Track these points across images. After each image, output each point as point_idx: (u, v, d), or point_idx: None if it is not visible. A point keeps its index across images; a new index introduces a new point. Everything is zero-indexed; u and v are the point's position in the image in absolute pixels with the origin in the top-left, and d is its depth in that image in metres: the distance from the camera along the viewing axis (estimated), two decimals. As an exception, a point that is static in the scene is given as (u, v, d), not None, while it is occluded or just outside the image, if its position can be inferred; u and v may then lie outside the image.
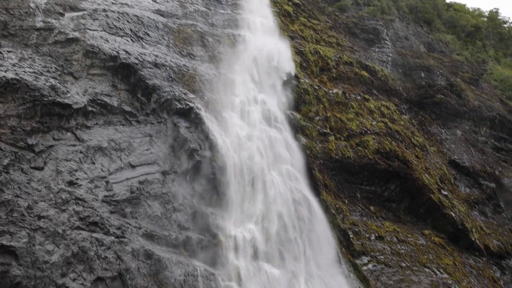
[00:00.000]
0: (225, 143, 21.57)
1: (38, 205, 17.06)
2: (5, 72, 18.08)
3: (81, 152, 18.65)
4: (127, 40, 21.89)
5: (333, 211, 24.66)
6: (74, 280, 17.07)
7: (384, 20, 36.00)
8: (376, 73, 31.44)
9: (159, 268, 18.52)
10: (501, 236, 30.76)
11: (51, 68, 19.32)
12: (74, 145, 18.63)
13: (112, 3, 22.80)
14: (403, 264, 25.07)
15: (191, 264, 19.26)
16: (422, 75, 34.27)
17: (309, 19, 32.08)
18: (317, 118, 26.37)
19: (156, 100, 21.18)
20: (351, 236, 24.43)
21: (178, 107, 21.39)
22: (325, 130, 26.19)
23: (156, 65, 21.88)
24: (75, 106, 19.07)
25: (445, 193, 28.84)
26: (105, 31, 21.43)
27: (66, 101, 18.94)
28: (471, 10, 54.59)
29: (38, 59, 19.35)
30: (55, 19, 20.55)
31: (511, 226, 31.95)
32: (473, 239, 28.63)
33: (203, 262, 19.68)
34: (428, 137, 31.73)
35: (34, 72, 18.70)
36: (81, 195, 17.93)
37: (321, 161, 25.40)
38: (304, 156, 24.54)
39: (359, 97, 29.01)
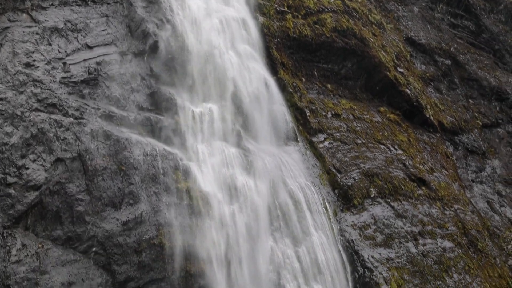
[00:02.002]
0: (182, 23, 21.67)
1: (-5, 88, 17.27)
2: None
3: (37, 34, 18.69)
4: None
5: (291, 90, 25.25)
6: (34, 161, 17.63)
7: None
8: None
9: (118, 149, 19.07)
10: (455, 113, 31.87)
11: None
12: (30, 27, 18.64)
13: None
14: (359, 141, 26.00)
15: (150, 144, 19.82)
16: None
17: None
18: (275, -5, 26.44)
19: (111, -21, 21.01)
20: (308, 114, 25.13)
21: (133, -15, 21.29)
22: (282, 9, 26.33)
23: None
24: (28, -14, 18.90)
25: (401, 70, 29.55)
26: None
27: (18, -20, 18.74)
28: None
29: None
30: None
31: (465, 102, 33.05)
32: (427, 115, 29.61)
33: (162, 142, 20.27)
34: (385, 14, 32.07)
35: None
36: (38, 77, 18.16)
37: (279, 40, 25.72)
38: (262, 35, 24.81)
39: (316, -26, 28.96)
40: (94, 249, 19.41)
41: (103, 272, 19.28)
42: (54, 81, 18.54)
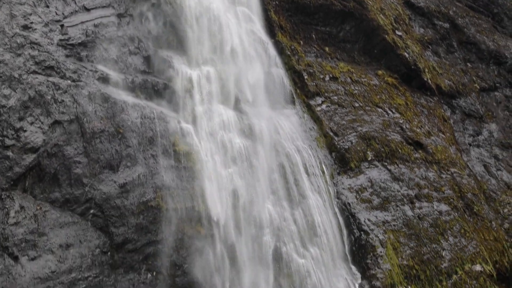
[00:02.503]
0: (180, -16, 21.62)
1: (-8, 50, 17.31)
2: None
3: (35, -5, 18.69)
4: None
5: (288, 53, 25.28)
6: (31, 123, 17.72)
7: None
8: None
9: (115, 111, 19.17)
10: (452, 76, 31.93)
11: None
12: (27, -12, 18.62)
13: None
14: (356, 104, 26.12)
15: (147, 107, 19.91)
16: None
17: None
18: (273, -44, 26.28)
19: None
20: (305, 77, 25.20)
21: None
22: (281, -30, 26.23)
23: None
24: None
25: (400, 33, 29.54)
26: None
27: None
28: None
29: None
30: None
31: (463, 66, 33.09)
32: (425, 79, 29.71)
33: (160, 105, 20.37)
34: (384, -24, 31.96)
35: None
36: (36, 39, 18.16)
37: (277, 2, 25.66)
38: (260, -3, 24.78)
39: None
40: (91, 211, 19.61)
41: (101, 234, 19.51)
42: (52, 44, 18.54)
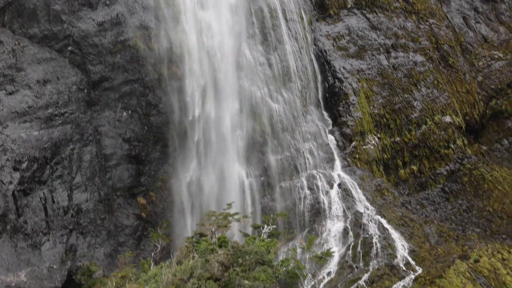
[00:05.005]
0: None
1: None
2: None
3: None
4: None
5: None
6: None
7: None
8: None
9: None
10: None
11: None
12: None
13: None
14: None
15: None
16: None
17: None
18: None
19: None
20: None
21: None
22: None
23: None
24: None
25: None
26: None
27: None
28: None
29: None
30: None
31: None
32: None
33: None
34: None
35: None
36: None
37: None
38: None
39: None
40: (69, 48, 20.23)
41: (78, 71, 20.24)
42: None
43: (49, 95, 19.20)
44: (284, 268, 16.22)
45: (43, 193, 18.59)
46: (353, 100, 23.53)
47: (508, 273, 20.16)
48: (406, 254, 21.34)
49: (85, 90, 20.10)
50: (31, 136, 18.52)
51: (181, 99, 21.13)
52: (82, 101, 19.97)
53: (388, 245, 21.12)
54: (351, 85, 23.68)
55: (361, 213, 21.28)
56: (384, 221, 21.53)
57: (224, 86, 21.44)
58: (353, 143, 23.18)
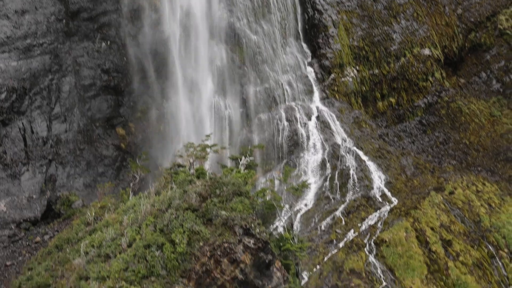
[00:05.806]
0: None
1: None
2: None
3: None
4: None
5: None
6: None
7: None
8: None
9: None
10: None
11: None
12: None
13: None
14: None
15: None
16: None
17: None
18: None
19: None
20: None
21: None
22: None
23: None
24: None
25: None
26: None
27: None
28: None
29: None
30: None
31: None
32: None
33: None
34: None
35: None
36: None
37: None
38: None
39: None
40: (47, -23, 20.13)
41: (57, 1, 20.15)
42: None
43: (27, 25, 19.19)
44: (261, 199, 16.53)
45: (22, 124, 18.78)
46: (332, 32, 23.60)
47: (481, 205, 20.87)
48: (382, 186, 21.92)
49: (64, 21, 20.05)
50: (9, 66, 18.59)
51: (160, 30, 21.12)
52: (60, 32, 19.94)
53: (365, 176, 21.66)
54: (331, 17, 23.70)
55: (339, 145, 21.69)
56: (361, 153, 22.02)
57: (201, 17, 21.40)
58: (332, 75, 23.37)
